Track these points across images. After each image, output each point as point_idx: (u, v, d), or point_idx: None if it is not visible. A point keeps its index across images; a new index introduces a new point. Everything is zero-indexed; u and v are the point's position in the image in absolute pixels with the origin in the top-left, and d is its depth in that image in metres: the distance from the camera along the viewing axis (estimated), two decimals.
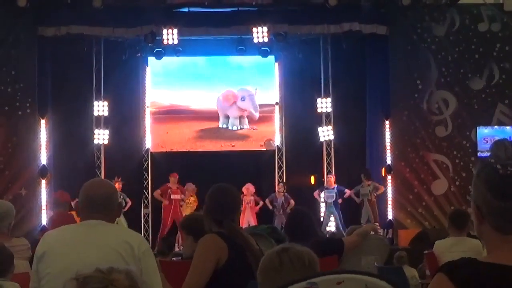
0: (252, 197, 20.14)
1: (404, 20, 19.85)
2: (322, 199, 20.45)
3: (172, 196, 19.79)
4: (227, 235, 5.08)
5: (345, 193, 20.19)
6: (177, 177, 19.91)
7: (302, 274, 2.99)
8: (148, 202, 20.87)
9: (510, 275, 2.35)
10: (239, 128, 21.65)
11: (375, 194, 19.71)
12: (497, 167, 2.41)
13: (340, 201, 20.18)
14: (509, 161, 2.40)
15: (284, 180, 21.15)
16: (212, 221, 5.25)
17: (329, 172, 21.10)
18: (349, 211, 20.14)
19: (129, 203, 19.45)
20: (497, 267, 2.36)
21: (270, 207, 20.17)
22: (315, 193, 20.52)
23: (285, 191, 20.28)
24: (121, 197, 18.52)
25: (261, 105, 21.74)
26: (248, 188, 19.95)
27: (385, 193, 19.96)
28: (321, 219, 20.17)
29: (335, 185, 20.34)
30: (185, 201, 19.72)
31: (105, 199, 4.52)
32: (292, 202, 19.70)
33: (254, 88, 21.64)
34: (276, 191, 20.63)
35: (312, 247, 3.67)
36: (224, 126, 21.60)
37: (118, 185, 18.67)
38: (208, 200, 5.36)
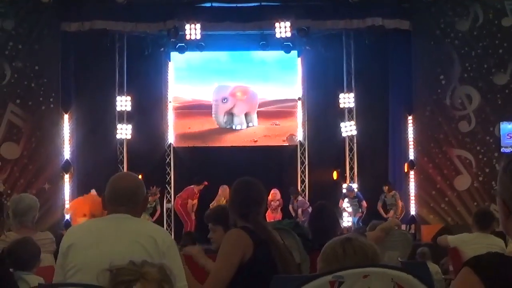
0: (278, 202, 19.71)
1: (427, 15, 19.76)
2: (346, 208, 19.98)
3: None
4: (252, 229, 5.03)
5: (362, 203, 19.90)
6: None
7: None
8: (170, 197, 20.91)
9: None
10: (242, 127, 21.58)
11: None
12: None
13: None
14: None
15: (307, 175, 21.09)
16: (237, 215, 5.19)
17: (351, 168, 21.08)
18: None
19: (158, 212, 19.61)
20: None
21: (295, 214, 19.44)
22: (340, 203, 19.97)
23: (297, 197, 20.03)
24: (154, 204, 19.33)
25: (283, 100, 21.74)
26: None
27: (408, 188, 19.95)
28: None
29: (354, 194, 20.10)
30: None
31: (131, 192, 4.52)
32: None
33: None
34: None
35: None
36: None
37: (152, 198, 18.86)
38: (233, 193, 5.30)
